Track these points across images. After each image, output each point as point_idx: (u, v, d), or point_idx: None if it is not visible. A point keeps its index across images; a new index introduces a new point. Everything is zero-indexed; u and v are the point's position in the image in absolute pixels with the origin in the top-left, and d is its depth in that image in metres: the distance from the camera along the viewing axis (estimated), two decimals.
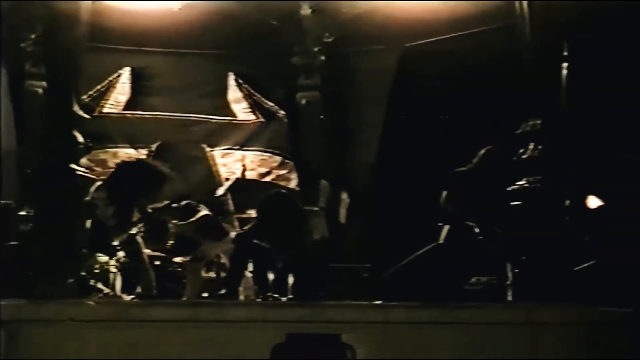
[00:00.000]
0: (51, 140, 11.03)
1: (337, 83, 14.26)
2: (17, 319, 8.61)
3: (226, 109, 14.81)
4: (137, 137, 14.45)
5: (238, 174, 14.05)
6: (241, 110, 14.80)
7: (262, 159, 14.65)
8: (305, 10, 13.81)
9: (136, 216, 11.21)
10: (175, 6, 13.52)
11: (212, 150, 14.63)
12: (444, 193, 10.82)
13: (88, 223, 11.04)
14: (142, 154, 14.28)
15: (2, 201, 11.28)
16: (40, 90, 12.33)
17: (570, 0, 10.69)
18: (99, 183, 11.26)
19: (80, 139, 11.32)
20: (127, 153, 14.19)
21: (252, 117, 14.78)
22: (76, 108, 11.32)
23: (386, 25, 13.45)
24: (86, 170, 11.65)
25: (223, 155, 14.65)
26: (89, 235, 11.01)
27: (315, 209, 11.48)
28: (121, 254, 11.20)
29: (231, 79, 14.77)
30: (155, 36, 13.55)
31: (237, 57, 14.68)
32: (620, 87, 11.28)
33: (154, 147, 14.41)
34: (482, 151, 10.97)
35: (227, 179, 13.99)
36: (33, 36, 12.54)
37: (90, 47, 12.26)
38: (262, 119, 14.77)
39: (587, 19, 10.89)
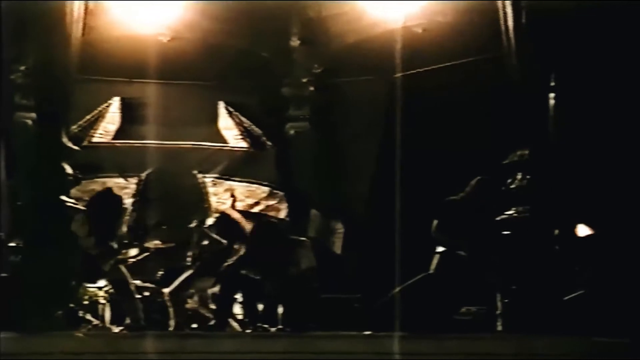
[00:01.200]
0: (40, 172, 11.01)
1: (326, 113, 14.34)
2: (8, 352, 8.56)
3: (217, 136, 14.87)
4: (127, 166, 14.45)
5: (228, 205, 14.04)
6: (232, 137, 14.87)
7: (249, 190, 14.67)
8: (295, 42, 13.88)
9: (119, 245, 11.22)
10: (164, 37, 13.54)
11: (203, 177, 14.63)
12: (435, 222, 10.83)
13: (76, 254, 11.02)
14: (132, 182, 14.28)
15: None
16: (29, 122, 12.33)
17: (557, 31, 10.75)
18: (79, 214, 11.26)
19: (69, 170, 11.31)
20: (117, 182, 14.18)
21: (243, 144, 14.84)
22: (65, 140, 11.29)
23: (375, 56, 13.53)
24: (75, 202, 11.63)
25: (214, 184, 14.65)
26: (77, 267, 10.97)
27: (303, 238, 11.47)
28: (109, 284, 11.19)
29: (221, 107, 14.84)
30: (144, 68, 13.55)
31: (227, 88, 14.76)
32: (608, 116, 11.35)
33: (144, 175, 14.42)
34: (473, 181, 10.99)
35: (217, 210, 14.00)
36: (23, 68, 12.59)
37: (80, 78, 12.28)
38: (252, 148, 14.81)
39: (574, 49, 10.97)
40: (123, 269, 11.09)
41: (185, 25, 13.43)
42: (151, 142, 14.48)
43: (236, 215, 13.22)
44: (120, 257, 11.07)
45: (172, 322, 11.65)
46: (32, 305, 10.16)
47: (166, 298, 11.79)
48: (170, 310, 11.73)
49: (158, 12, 13.12)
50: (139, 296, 11.15)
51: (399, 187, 12.67)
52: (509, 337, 9.80)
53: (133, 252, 11.79)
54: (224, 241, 12.30)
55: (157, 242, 11.84)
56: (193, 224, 12.57)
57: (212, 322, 11.25)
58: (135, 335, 10.31)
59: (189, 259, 12.42)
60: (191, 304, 11.99)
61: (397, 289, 10.68)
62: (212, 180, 14.65)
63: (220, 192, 14.57)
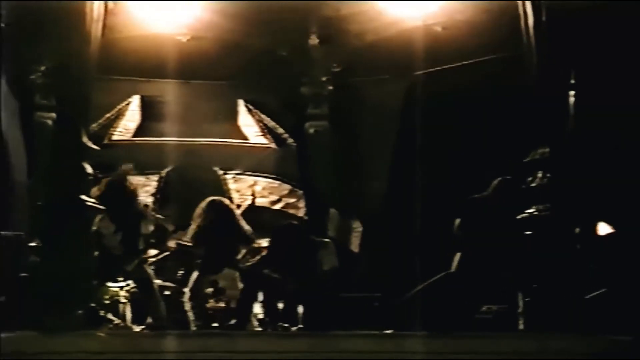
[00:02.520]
0: (60, 172, 11.04)
1: (345, 112, 14.32)
2: (28, 351, 8.59)
3: (238, 133, 14.87)
4: (147, 163, 14.37)
5: (249, 201, 14.03)
6: (253, 133, 14.86)
7: (272, 187, 14.65)
8: (313, 40, 13.86)
9: (143, 245, 11.24)
10: (184, 37, 13.55)
11: (224, 174, 14.62)
12: (457, 220, 10.80)
13: (97, 253, 11.04)
14: (153, 180, 14.29)
15: (13, 232, 11.31)
16: (49, 122, 12.35)
17: (577, 29, 10.71)
18: (102, 213, 11.28)
19: (89, 169, 11.33)
20: (138, 180, 14.18)
21: (264, 140, 14.83)
22: (85, 139, 11.32)
23: (394, 54, 13.50)
24: (96, 201, 11.64)
25: (235, 181, 14.63)
26: (98, 266, 11.00)
27: (326, 240, 11.47)
28: (131, 283, 11.20)
29: (241, 105, 14.85)
30: (163, 67, 13.57)
31: (246, 87, 14.75)
32: (628, 113, 11.30)
33: (164, 173, 14.42)
34: (496, 181, 10.97)
35: (239, 206, 13.89)
36: (42, 68, 12.62)
37: (100, 78, 12.31)
38: (273, 145, 14.81)
39: (595, 47, 10.92)
40: (147, 268, 11.12)
41: (204, 24, 13.41)
42: (171, 139, 14.49)
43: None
44: (143, 256, 11.10)
45: (192, 322, 11.63)
46: (52, 305, 10.19)
47: (186, 297, 11.79)
48: (189, 309, 11.72)
49: (177, 12, 13.12)
50: (161, 296, 11.18)
51: (419, 186, 12.69)
52: (531, 335, 9.76)
53: (154, 251, 11.78)
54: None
55: (178, 240, 11.82)
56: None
57: (233, 322, 11.25)
58: (155, 334, 10.35)
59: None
60: (211, 303, 11.97)
61: (418, 288, 10.66)
62: (234, 177, 14.64)
63: (242, 188, 14.54)
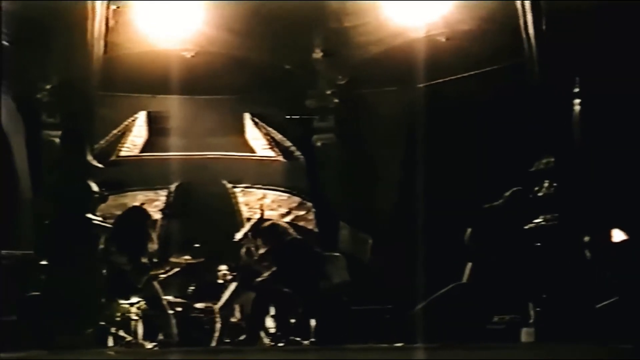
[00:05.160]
0: (66, 191, 11.09)
1: (352, 124, 14.33)
2: None
3: (245, 146, 14.88)
4: (156, 178, 14.39)
5: (259, 215, 14.03)
6: (260, 146, 14.87)
7: (281, 199, 14.63)
8: (317, 53, 13.89)
9: (151, 262, 11.25)
10: (188, 53, 13.59)
11: (233, 187, 14.63)
12: (469, 230, 10.80)
13: (105, 271, 11.06)
14: (162, 195, 14.31)
15: (22, 251, 11.35)
16: (56, 140, 12.40)
17: (580, 37, 10.73)
18: (109, 231, 11.31)
19: (95, 188, 11.37)
20: (147, 195, 14.20)
21: (271, 153, 14.83)
22: (90, 158, 11.37)
23: (398, 66, 13.51)
24: (102, 219, 11.67)
25: (244, 194, 14.64)
26: (107, 283, 11.01)
27: (336, 254, 11.47)
28: (142, 300, 11.21)
29: (247, 119, 14.86)
30: (169, 83, 13.60)
31: (252, 101, 14.75)
32: (633, 119, 11.30)
33: (173, 187, 14.42)
34: (508, 192, 10.97)
35: (249, 219, 13.81)
36: (48, 87, 12.67)
37: (106, 95, 12.36)
38: (281, 157, 14.82)
39: (598, 54, 10.93)
40: (156, 284, 11.13)
41: (208, 40, 13.47)
42: (179, 154, 14.47)
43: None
44: (153, 272, 11.11)
45: (216, 337, 11.64)
46: (63, 323, 10.21)
47: (216, 314, 11.79)
48: (218, 325, 11.73)
49: (181, 27, 13.17)
50: (172, 312, 11.18)
51: (423, 196, 12.71)
52: (542, 345, 9.76)
53: (163, 267, 11.79)
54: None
55: (187, 257, 11.81)
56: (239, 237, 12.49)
57: (243, 337, 11.26)
58: (165, 351, 10.34)
59: (226, 272, 12.46)
60: (234, 318, 11.96)
61: (428, 300, 10.66)
62: (242, 190, 14.65)
63: (251, 201, 14.54)
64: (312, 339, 10.79)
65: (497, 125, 12.92)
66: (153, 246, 11.32)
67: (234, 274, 12.28)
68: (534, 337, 10.19)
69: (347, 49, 13.85)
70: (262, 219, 12.69)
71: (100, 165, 11.69)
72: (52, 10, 11.34)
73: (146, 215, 11.61)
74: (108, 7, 12.03)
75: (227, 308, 11.90)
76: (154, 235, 11.43)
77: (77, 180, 11.18)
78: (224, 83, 14.25)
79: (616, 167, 11.24)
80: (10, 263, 11.10)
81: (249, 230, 12.41)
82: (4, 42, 11.53)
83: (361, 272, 12.85)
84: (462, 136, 13.30)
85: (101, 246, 11.17)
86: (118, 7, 12.69)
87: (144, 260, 11.10)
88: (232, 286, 12.03)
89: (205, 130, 14.72)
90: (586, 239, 10.49)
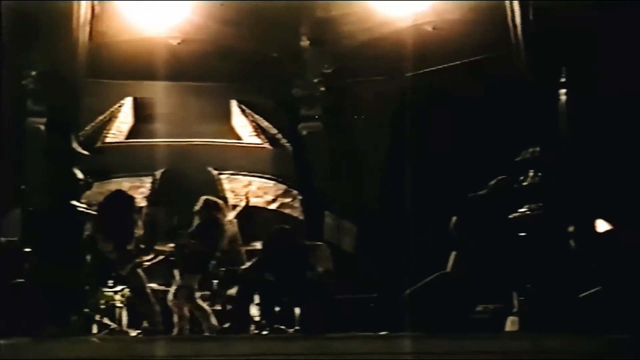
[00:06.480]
0: (51, 178, 11.04)
1: (338, 113, 14.33)
2: (24, 357, 8.59)
3: (231, 133, 14.88)
4: (141, 165, 14.38)
5: (244, 201, 14.00)
6: (247, 133, 14.87)
7: (267, 186, 14.65)
8: (305, 42, 13.87)
9: (137, 249, 11.22)
10: (175, 40, 13.55)
11: (219, 174, 14.60)
12: (454, 219, 10.81)
13: (90, 258, 11.03)
14: (147, 182, 14.27)
15: (6, 238, 11.30)
16: (41, 127, 12.33)
17: (566, 27, 10.72)
18: (94, 218, 11.27)
19: (80, 175, 11.33)
20: (132, 182, 14.16)
21: (258, 140, 14.84)
22: (75, 145, 11.32)
23: (386, 55, 13.51)
24: (87, 207, 11.64)
25: (230, 181, 14.61)
26: (92, 271, 10.99)
27: (320, 243, 11.46)
28: (126, 288, 11.19)
29: (234, 106, 14.85)
30: (155, 70, 13.56)
31: (239, 88, 14.75)
32: (619, 110, 11.30)
33: (158, 174, 14.39)
34: (494, 181, 10.97)
35: (235, 206, 13.80)
36: (33, 73, 12.60)
37: (91, 82, 12.30)
38: (267, 145, 14.81)
39: (584, 44, 10.93)
40: (140, 272, 11.10)
41: (194, 27, 13.43)
42: (165, 140, 14.44)
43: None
44: (137, 260, 11.08)
45: (175, 326, 11.46)
46: (48, 311, 10.18)
47: (170, 302, 11.61)
48: (175, 314, 11.59)
49: (168, 15, 13.12)
50: (155, 300, 11.15)
51: (409, 186, 12.71)
52: (525, 335, 9.76)
53: (148, 255, 11.75)
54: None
55: (172, 244, 11.77)
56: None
57: (227, 325, 11.24)
58: (150, 339, 10.32)
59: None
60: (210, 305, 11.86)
61: (412, 289, 10.65)
62: (228, 177, 14.62)
63: (237, 188, 14.53)
64: (297, 327, 10.80)
65: (483, 115, 12.95)
66: (139, 232, 11.31)
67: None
68: (517, 326, 10.22)
69: (334, 37, 13.84)
70: (247, 206, 12.70)
71: (85, 152, 11.64)
72: None
73: (129, 198, 11.57)
74: None
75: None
76: (139, 222, 11.40)
77: (62, 167, 11.13)
78: (211, 70, 14.24)
79: (601, 157, 11.24)
80: None
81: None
82: None
83: (346, 260, 12.87)
84: (448, 125, 13.31)
85: (86, 233, 11.14)
86: None
87: (130, 247, 11.09)
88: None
89: (192, 117, 14.71)
90: (571, 228, 10.48)
